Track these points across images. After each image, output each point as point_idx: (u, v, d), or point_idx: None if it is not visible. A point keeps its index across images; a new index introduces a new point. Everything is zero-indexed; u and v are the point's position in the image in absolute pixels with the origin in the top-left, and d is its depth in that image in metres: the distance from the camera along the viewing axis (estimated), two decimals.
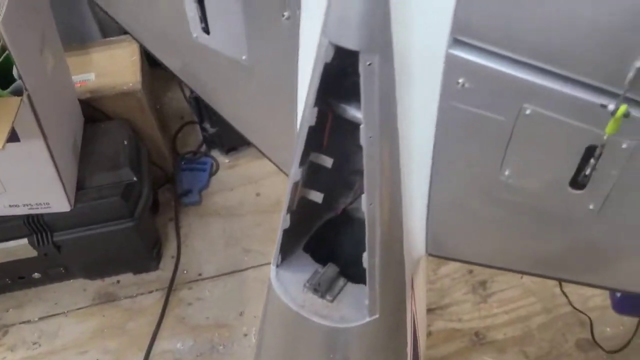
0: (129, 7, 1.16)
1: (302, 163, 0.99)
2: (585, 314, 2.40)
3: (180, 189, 2.83)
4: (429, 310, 2.49)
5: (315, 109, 0.88)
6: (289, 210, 1.07)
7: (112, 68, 2.40)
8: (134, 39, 1.30)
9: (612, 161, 0.72)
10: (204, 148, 3.01)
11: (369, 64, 0.76)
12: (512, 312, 2.50)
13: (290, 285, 1.16)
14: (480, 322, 2.46)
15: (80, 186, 2.17)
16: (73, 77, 2.37)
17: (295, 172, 0.99)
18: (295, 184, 1.03)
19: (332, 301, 1.12)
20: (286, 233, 1.11)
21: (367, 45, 0.75)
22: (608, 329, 2.43)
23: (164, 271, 2.60)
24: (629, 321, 2.37)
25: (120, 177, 2.19)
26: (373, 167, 0.88)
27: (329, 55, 0.79)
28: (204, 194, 2.86)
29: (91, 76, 2.42)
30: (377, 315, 1.08)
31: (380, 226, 0.96)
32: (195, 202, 2.79)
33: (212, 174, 2.93)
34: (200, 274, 2.60)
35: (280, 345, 1.24)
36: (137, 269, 2.55)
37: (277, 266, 1.18)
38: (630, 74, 0.62)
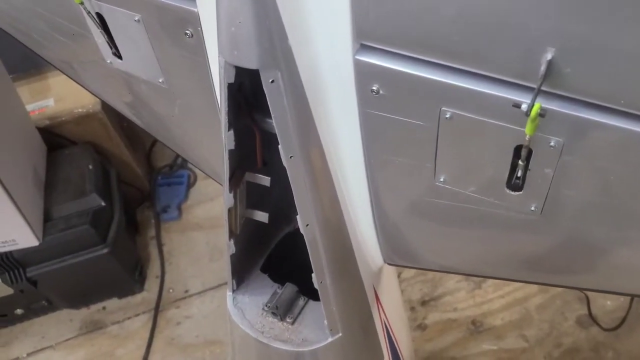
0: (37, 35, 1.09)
1: (233, 187, 0.93)
2: (582, 291, 2.34)
3: (158, 206, 2.77)
4: (423, 303, 2.43)
5: (231, 132, 0.81)
6: (232, 235, 1.01)
7: (71, 91, 2.33)
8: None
9: (543, 160, 0.65)
10: (179, 160, 2.94)
11: (272, 81, 0.70)
12: (508, 296, 2.43)
13: (249, 310, 1.10)
14: (477, 310, 2.40)
15: (47, 218, 2.11)
16: (31, 105, 2.30)
17: (227, 197, 0.93)
18: (231, 210, 0.96)
19: (292, 323, 1.07)
20: (236, 257, 1.05)
21: (266, 62, 0.68)
22: (609, 302, 2.36)
23: (150, 292, 2.55)
24: None
25: (88, 204, 2.13)
26: (301, 188, 0.82)
27: (230, 76, 0.72)
28: (183, 208, 2.80)
29: (50, 102, 2.35)
30: (340, 334, 1.02)
31: (323, 245, 0.90)
32: (174, 217, 2.73)
33: (190, 186, 2.86)
34: (186, 291, 2.54)
35: None
36: (122, 293, 2.50)
37: (233, 291, 1.12)
38: (542, 67, 0.55)
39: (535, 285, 2.45)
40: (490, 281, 2.48)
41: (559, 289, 2.42)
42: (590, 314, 2.29)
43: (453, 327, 2.36)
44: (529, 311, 2.38)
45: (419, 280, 2.49)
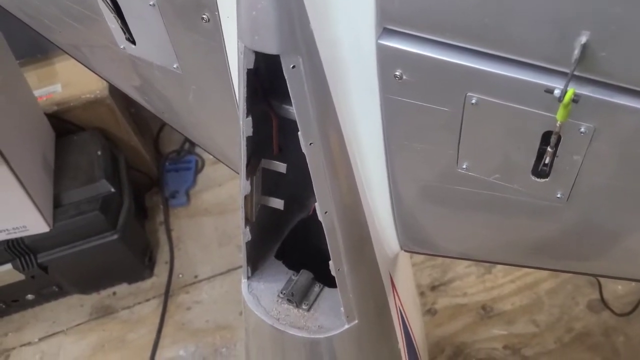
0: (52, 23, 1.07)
1: (250, 174, 0.92)
2: (596, 277, 2.32)
3: (167, 191, 2.76)
4: (433, 288, 2.42)
5: (250, 119, 0.80)
6: (248, 223, 1.00)
7: (78, 77, 2.31)
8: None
9: (572, 147, 0.64)
10: (187, 146, 2.93)
11: (293, 67, 0.68)
12: (519, 281, 2.42)
13: (264, 297, 1.09)
14: (487, 295, 2.39)
15: (57, 204, 2.11)
16: (39, 90, 2.29)
17: (244, 184, 0.92)
18: (247, 197, 0.95)
19: (308, 310, 1.06)
20: (251, 244, 1.04)
21: (287, 47, 0.66)
22: (620, 287, 2.35)
23: (159, 277, 2.55)
24: None
25: (97, 190, 2.12)
26: (320, 175, 0.80)
27: (249, 61, 0.71)
28: (192, 193, 2.80)
29: (57, 87, 2.34)
30: (356, 321, 1.02)
31: (341, 232, 0.89)
32: (183, 203, 2.73)
33: (197, 172, 2.86)
34: (196, 277, 2.54)
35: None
36: (132, 278, 2.50)
37: (248, 278, 1.11)
38: (576, 52, 0.53)
39: (546, 270, 2.44)
40: (500, 266, 2.47)
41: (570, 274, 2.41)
42: (602, 298, 2.28)
43: (463, 312, 2.35)
44: (539, 296, 2.37)
45: (428, 265, 2.49)
